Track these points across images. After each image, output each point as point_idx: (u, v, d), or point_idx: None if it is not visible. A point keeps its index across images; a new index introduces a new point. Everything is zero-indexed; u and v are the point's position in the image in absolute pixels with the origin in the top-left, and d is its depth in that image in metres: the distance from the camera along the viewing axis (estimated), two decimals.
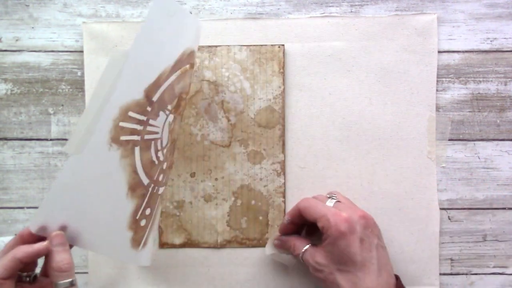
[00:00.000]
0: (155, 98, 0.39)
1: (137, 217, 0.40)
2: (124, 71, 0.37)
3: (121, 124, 0.37)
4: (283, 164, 0.49)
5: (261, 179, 0.49)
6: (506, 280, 0.50)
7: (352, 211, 0.42)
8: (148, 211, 0.41)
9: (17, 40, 0.50)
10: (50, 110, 0.50)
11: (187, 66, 0.42)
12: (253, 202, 0.49)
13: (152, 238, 0.43)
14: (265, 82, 0.49)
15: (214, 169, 0.49)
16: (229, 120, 0.49)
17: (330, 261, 0.42)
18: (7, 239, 0.49)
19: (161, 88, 0.40)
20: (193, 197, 0.49)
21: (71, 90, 0.50)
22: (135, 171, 0.39)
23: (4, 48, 0.50)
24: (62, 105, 0.50)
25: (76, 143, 0.38)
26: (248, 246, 0.49)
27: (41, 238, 0.36)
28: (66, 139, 0.50)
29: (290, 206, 0.49)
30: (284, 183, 0.49)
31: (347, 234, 0.41)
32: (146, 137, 0.40)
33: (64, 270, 0.35)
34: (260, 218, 0.49)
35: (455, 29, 0.49)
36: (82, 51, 0.49)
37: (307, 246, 0.44)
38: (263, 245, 0.49)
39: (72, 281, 0.35)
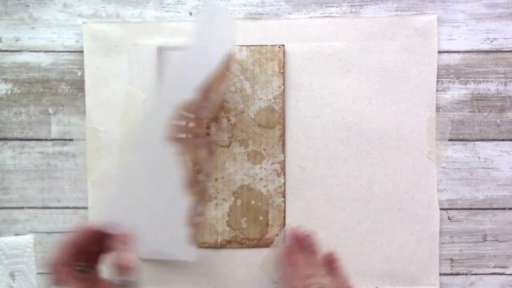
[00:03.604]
0: (205, 98, 0.42)
1: (193, 214, 0.42)
2: (178, 72, 0.41)
3: (175, 122, 0.40)
4: (283, 164, 0.49)
5: (261, 179, 0.49)
6: (506, 280, 0.50)
7: None
8: (200, 209, 0.43)
9: (17, 40, 0.50)
10: (50, 110, 0.50)
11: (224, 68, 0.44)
12: (253, 202, 0.49)
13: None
14: (265, 82, 0.49)
15: (214, 169, 0.49)
16: (229, 120, 0.49)
17: None
18: (7, 239, 0.49)
19: (210, 88, 0.42)
20: None
21: (71, 90, 0.50)
22: (191, 168, 0.41)
23: (4, 48, 0.50)
24: (62, 105, 0.50)
25: (131, 141, 0.42)
26: (248, 246, 0.49)
27: (101, 233, 0.38)
28: (66, 139, 0.50)
29: (290, 206, 0.49)
30: (284, 183, 0.49)
31: None
32: (200, 134, 0.43)
33: (124, 268, 0.36)
34: (260, 218, 0.49)
35: (455, 29, 0.49)
36: (82, 51, 0.49)
37: None
38: (263, 245, 0.49)
39: (134, 280, 0.36)
